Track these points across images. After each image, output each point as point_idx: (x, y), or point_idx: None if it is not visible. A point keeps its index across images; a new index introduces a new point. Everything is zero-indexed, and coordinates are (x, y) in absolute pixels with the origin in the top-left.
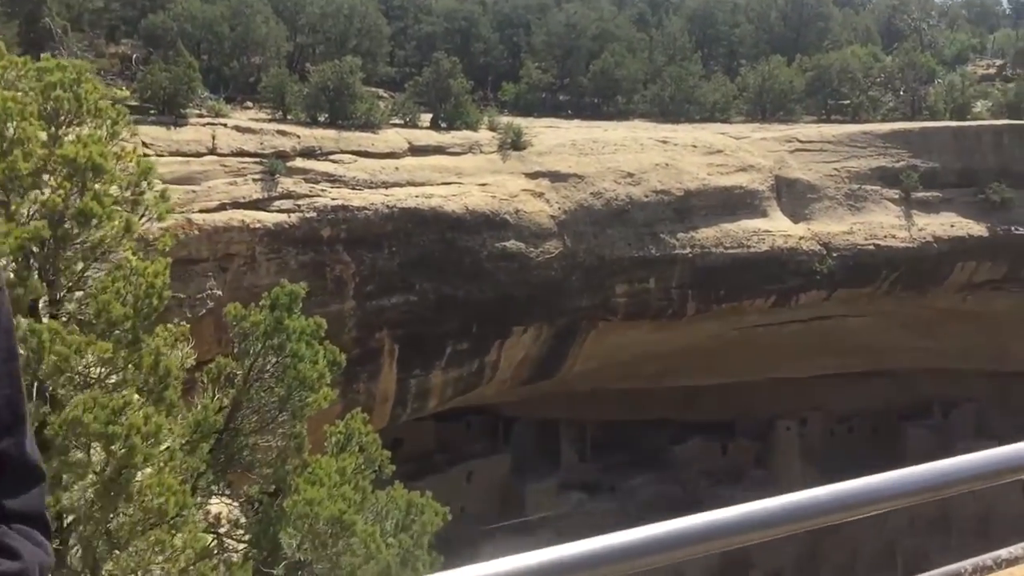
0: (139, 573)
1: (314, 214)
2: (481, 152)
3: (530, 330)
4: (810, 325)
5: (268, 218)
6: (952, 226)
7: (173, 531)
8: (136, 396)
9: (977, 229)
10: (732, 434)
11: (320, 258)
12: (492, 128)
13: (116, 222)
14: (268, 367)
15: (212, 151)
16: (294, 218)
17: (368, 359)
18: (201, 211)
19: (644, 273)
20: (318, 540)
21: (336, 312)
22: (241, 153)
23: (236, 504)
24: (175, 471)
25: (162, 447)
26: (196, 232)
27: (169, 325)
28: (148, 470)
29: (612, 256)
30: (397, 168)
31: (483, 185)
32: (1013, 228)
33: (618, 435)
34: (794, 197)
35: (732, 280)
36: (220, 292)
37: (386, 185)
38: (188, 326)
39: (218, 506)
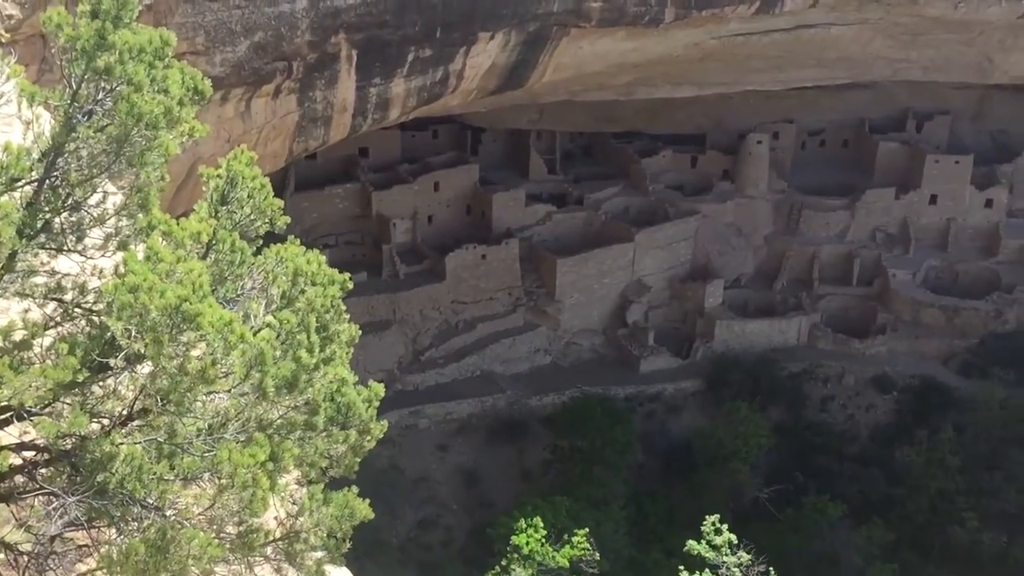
0: None
1: None
2: None
3: (498, 36)
4: (792, 34)
5: None
6: None
7: None
8: None
9: None
10: (702, 147)
11: None
12: None
13: None
14: (100, 96)
15: None
16: None
17: (324, 65)
18: None
19: None
20: (153, 335)
21: (287, 13)
22: None
23: (88, 262)
24: None
25: None
26: None
27: None
28: None
29: None
30: None
31: None
32: None
33: (588, 147)
34: None
35: None
36: None
37: None
38: None
39: (66, 263)
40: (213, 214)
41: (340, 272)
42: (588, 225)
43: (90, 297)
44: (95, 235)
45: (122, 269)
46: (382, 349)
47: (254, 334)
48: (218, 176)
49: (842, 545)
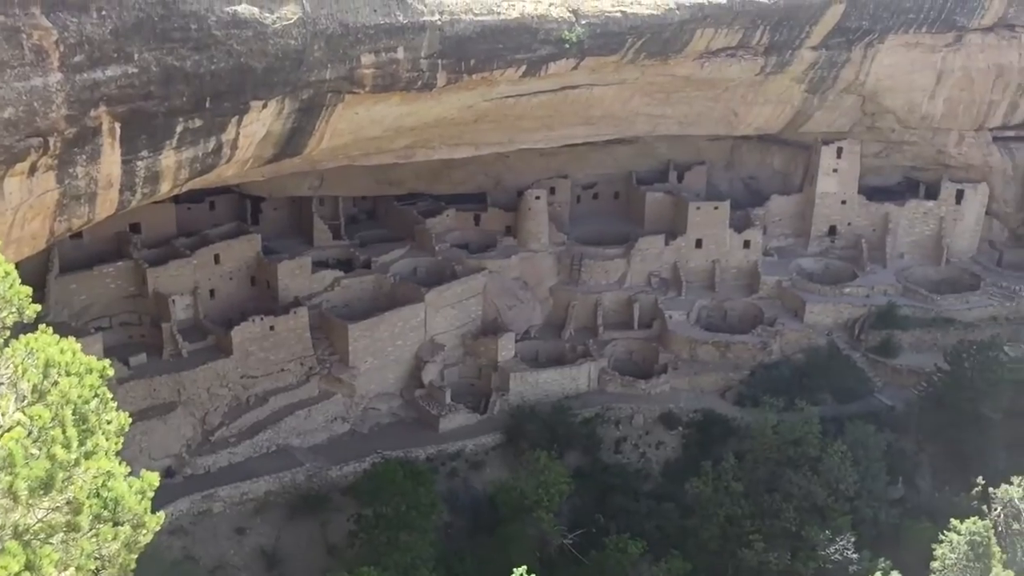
0: None
1: None
2: None
3: (271, 104)
4: (559, 95)
5: None
6: None
7: None
8: None
9: None
10: (484, 205)
11: (13, 22)
12: None
13: None
14: None
15: None
16: None
17: (85, 140)
18: None
19: (391, 42)
20: None
21: (40, 87)
22: None
23: None
24: None
25: None
26: None
27: None
28: None
29: (356, 23)
30: None
31: None
32: None
33: (372, 210)
34: None
35: (482, 49)
36: None
37: None
38: None
39: None
40: None
41: (108, 357)
42: (378, 288)
43: None
44: None
45: None
46: (167, 433)
47: (1, 434)
48: None
49: None
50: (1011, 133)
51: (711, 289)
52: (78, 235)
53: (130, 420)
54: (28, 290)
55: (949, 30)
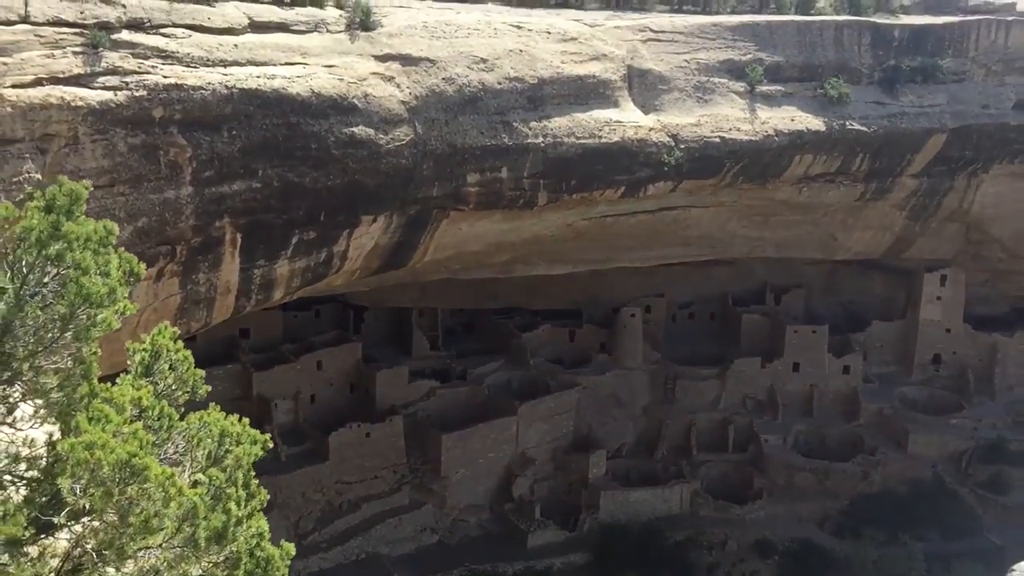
0: None
1: (144, 92)
2: (327, 31)
3: (380, 219)
4: (656, 215)
5: (92, 95)
6: (792, 120)
7: None
8: None
9: (815, 123)
10: (579, 321)
11: (152, 140)
12: (339, 6)
13: None
14: (47, 280)
15: (24, 19)
16: (121, 96)
17: (208, 248)
18: (13, 86)
19: (496, 162)
20: (103, 488)
21: (172, 199)
22: (58, 23)
23: (21, 433)
24: None
25: None
26: (8, 109)
27: None
28: None
29: (464, 144)
30: (236, 45)
31: (330, 67)
32: (847, 123)
33: (469, 323)
34: (645, 88)
35: (583, 170)
36: (40, 176)
37: (224, 64)
38: None
39: None
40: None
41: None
42: (472, 399)
43: (22, 466)
44: (25, 408)
45: (58, 436)
46: None
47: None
48: (143, 350)
49: None
50: None
51: (808, 414)
52: (192, 338)
53: (268, 496)
54: (202, 372)
55: None
